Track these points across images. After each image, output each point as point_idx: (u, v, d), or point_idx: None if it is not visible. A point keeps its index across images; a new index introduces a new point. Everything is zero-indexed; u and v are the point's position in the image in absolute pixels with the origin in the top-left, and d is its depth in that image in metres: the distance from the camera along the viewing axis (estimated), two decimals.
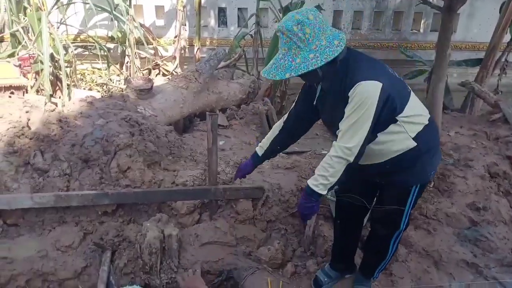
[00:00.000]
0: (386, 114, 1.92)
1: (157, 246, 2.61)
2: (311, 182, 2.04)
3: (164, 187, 3.10)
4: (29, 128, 3.09)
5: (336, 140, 1.98)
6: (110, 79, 6.01)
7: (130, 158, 3.09)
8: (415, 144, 2.01)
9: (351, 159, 1.92)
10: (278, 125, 2.42)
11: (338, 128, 1.96)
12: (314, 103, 2.16)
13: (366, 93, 1.83)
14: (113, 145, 3.08)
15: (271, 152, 2.51)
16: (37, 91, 4.75)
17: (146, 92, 4.20)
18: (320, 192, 2.01)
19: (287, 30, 1.84)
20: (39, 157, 2.99)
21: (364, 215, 2.49)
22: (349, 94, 1.87)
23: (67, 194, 2.86)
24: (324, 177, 1.98)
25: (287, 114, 2.39)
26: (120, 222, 3.01)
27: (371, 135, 1.94)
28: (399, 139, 2.01)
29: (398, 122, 1.97)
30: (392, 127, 1.98)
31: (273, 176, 3.30)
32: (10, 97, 3.68)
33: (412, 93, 2.06)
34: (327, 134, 4.68)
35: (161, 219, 2.81)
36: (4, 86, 4.33)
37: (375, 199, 2.33)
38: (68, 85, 4.73)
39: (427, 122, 2.05)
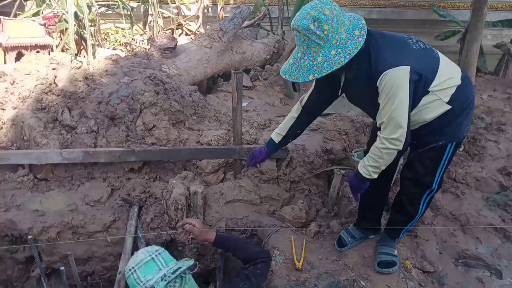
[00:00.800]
0: (418, 91, 1.87)
1: (182, 203, 2.64)
2: (363, 171, 2.06)
3: (190, 146, 3.12)
4: (56, 85, 3.12)
5: (380, 131, 1.96)
6: (134, 39, 5.97)
7: (155, 116, 3.10)
8: (450, 107, 1.94)
9: (401, 147, 1.91)
10: (295, 109, 2.36)
11: (370, 111, 1.96)
12: (339, 93, 2.12)
13: (395, 81, 1.77)
14: (139, 103, 3.08)
15: (290, 138, 2.46)
16: (62, 51, 4.76)
17: (170, 51, 4.15)
18: (372, 178, 2.06)
19: (303, 29, 1.74)
20: (67, 114, 3.02)
21: (393, 174, 2.44)
22: (378, 84, 1.81)
23: (95, 150, 2.91)
24: (375, 167, 2.02)
25: (305, 97, 2.32)
26: (146, 179, 3.06)
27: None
28: (432, 107, 1.94)
29: (430, 93, 1.91)
30: (424, 99, 1.92)
31: (298, 137, 3.26)
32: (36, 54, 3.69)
33: (440, 57, 1.97)
34: None
35: (187, 177, 2.84)
36: (30, 45, 4.36)
37: (407, 157, 2.28)
38: (92, 44, 4.71)
39: (460, 82, 1.96)
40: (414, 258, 2.49)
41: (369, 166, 2.03)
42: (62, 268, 1.74)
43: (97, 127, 3.05)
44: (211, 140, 3.16)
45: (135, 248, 2.63)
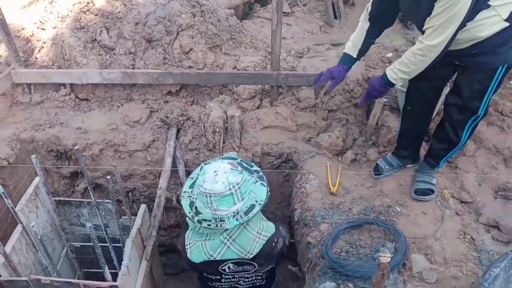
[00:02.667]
0: (478, 3, 1.71)
1: (220, 126, 2.66)
2: (390, 75, 2.00)
3: (227, 71, 3.07)
4: (94, 4, 3.08)
5: (422, 36, 1.84)
6: None
7: (192, 39, 3.04)
8: (508, 24, 1.78)
9: (434, 56, 1.83)
10: (364, 19, 2.19)
11: (422, 24, 1.83)
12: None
13: None
14: (175, 25, 3.02)
15: (365, 49, 2.29)
16: None
17: None
18: (397, 84, 2.04)
19: None
20: (105, 34, 3.00)
21: (436, 100, 2.33)
22: None
23: (133, 71, 2.92)
24: (404, 72, 1.95)
25: (369, 6, 2.15)
26: (184, 103, 3.08)
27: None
28: (489, 23, 1.79)
29: (490, 8, 1.75)
30: (481, 14, 1.76)
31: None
32: None
33: None
34: (397, 26, 4.33)
35: (224, 101, 2.83)
36: None
37: (452, 81, 2.16)
38: None
39: None
40: (453, 188, 2.45)
41: (399, 71, 1.96)
42: (108, 177, 1.81)
43: (134, 48, 3.03)
44: (248, 66, 3.10)
45: (174, 167, 2.71)
